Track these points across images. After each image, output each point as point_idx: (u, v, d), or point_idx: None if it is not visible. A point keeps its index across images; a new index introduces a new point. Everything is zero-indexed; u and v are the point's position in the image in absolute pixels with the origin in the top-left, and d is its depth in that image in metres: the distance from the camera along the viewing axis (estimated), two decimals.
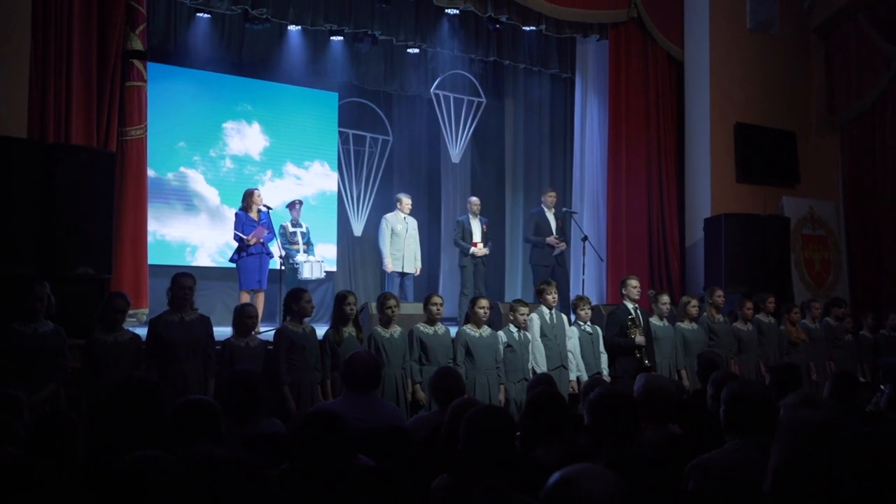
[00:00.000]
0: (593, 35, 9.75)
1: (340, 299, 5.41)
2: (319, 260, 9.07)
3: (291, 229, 9.01)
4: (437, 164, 11.75)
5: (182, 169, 9.72)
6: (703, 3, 9.83)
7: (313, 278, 8.84)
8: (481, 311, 5.80)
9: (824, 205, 10.02)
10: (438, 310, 5.68)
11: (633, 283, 6.56)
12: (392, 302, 5.57)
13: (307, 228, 9.12)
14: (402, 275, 8.61)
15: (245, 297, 7.47)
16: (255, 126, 10.31)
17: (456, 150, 10.82)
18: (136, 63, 6.78)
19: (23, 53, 6.02)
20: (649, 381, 3.17)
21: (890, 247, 9.73)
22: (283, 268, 8.41)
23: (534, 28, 9.43)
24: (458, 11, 9.19)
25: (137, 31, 6.78)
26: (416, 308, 6.42)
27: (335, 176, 10.91)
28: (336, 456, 1.94)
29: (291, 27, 9.53)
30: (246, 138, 10.24)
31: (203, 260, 9.70)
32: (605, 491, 1.45)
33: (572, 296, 7.81)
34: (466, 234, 8.80)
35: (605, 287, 9.50)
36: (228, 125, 10.11)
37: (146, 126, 6.87)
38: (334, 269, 10.67)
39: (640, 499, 1.71)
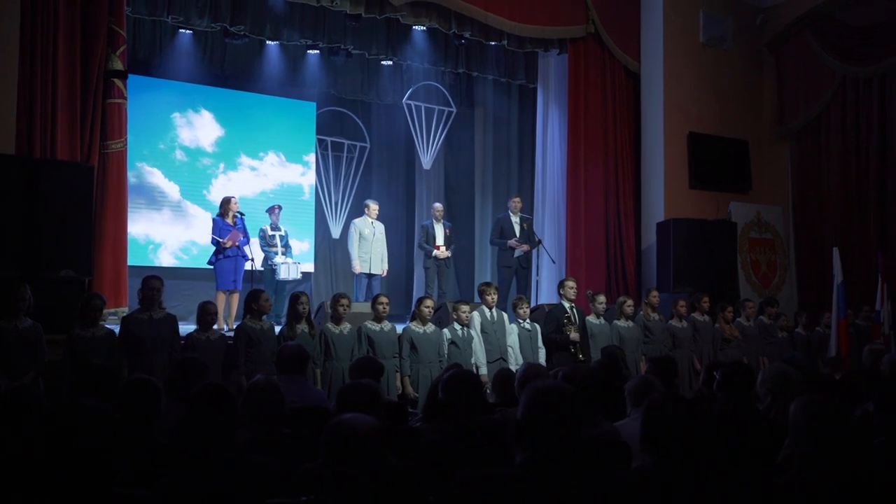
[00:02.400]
0: (554, 49, 10.33)
1: (294, 299, 6.02)
2: (296, 262, 9.66)
3: (271, 233, 9.57)
4: (413, 170, 12.35)
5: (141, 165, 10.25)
6: (658, 20, 10.41)
7: (290, 279, 9.42)
8: (426, 309, 6.40)
9: (771, 210, 10.61)
10: (384, 308, 6.28)
11: (570, 284, 7.16)
12: (344, 301, 6.18)
13: (286, 232, 9.70)
14: (370, 276, 9.21)
15: (221, 297, 8.08)
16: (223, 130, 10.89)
17: (427, 157, 11.41)
18: (117, 82, 7.36)
19: (11, 75, 6.61)
20: (529, 367, 3.76)
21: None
22: (262, 268, 9.08)
23: (496, 43, 10.01)
24: (425, 28, 9.78)
25: (118, 52, 7.36)
26: (367, 307, 6.99)
27: (312, 175, 11.46)
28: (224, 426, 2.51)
29: (269, 42, 10.11)
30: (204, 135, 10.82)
31: (167, 259, 10.26)
32: (365, 428, 2.04)
33: (534, 295, 8.42)
34: (430, 237, 9.39)
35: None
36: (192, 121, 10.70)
37: (126, 140, 7.47)
38: (312, 269, 11.27)
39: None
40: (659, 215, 10.16)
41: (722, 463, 2.58)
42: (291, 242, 9.74)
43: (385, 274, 9.45)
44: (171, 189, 10.39)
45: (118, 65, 7.36)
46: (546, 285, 9.83)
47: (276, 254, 9.44)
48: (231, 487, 2.45)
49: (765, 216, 10.49)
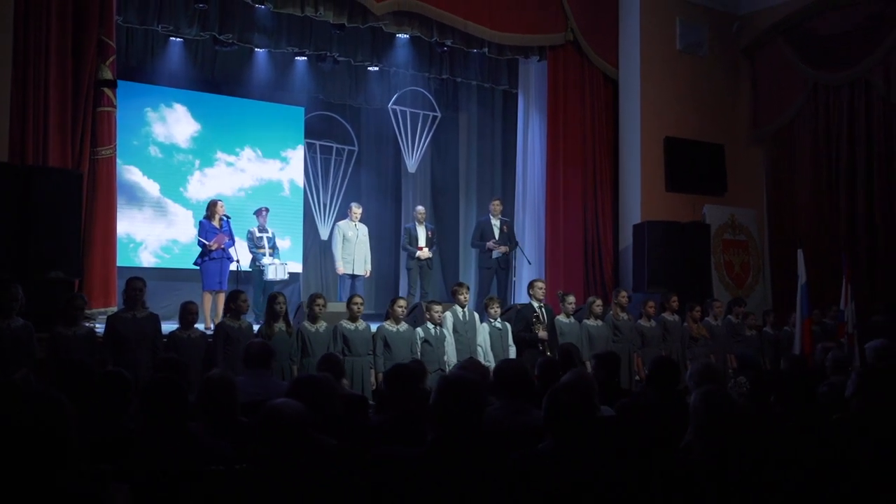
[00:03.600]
0: (534, 56, 10.64)
1: (271, 299, 6.35)
2: (283, 263, 9.97)
3: (258, 234, 9.88)
4: (400, 173, 12.67)
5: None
6: (635, 28, 10.72)
7: (277, 279, 9.72)
8: (399, 309, 6.73)
9: (745, 212, 10.92)
10: (359, 308, 6.60)
11: (539, 284, 7.48)
12: (320, 301, 6.50)
13: (273, 234, 10.01)
14: (353, 276, 9.53)
15: (208, 297, 8.42)
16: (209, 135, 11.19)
17: (412, 160, 11.73)
18: (107, 91, 7.68)
19: (4, 85, 6.94)
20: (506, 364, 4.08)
21: (806, 250, 10.58)
22: (250, 269, 9.41)
23: (477, 51, 10.32)
24: (408, 36, 10.09)
25: (108, 62, 7.68)
26: (343, 307, 7.30)
27: (290, 171, 11.72)
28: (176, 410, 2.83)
29: (258, 49, 10.42)
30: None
31: (148, 258, 10.50)
32: (289, 410, 2.35)
33: (512, 296, 8.73)
34: (413, 239, 9.71)
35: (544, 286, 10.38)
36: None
37: (115, 146, 7.79)
38: (300, 270, 11.59)
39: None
40: (636, 217, 10.46)
41: (627, 446, 2.90)
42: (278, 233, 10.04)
43: (368, 274, 9.76)
44: (151, 187, 10.58)
45: (108, 74, 7.68)
46: (524, 286, 10.12)
47: (264, 255, 9.73)
48: (183, 466, 2.76)
49: (739, 218, 10.80)
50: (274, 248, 9.94)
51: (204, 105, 11.04)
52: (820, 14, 10.54)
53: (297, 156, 11.85)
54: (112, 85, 7.69)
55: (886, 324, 9.47)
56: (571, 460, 2.60)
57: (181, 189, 10.84)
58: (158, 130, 10.75)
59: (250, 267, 9.68)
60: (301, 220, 11.82)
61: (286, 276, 10.02)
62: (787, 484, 2.90)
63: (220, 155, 11.20)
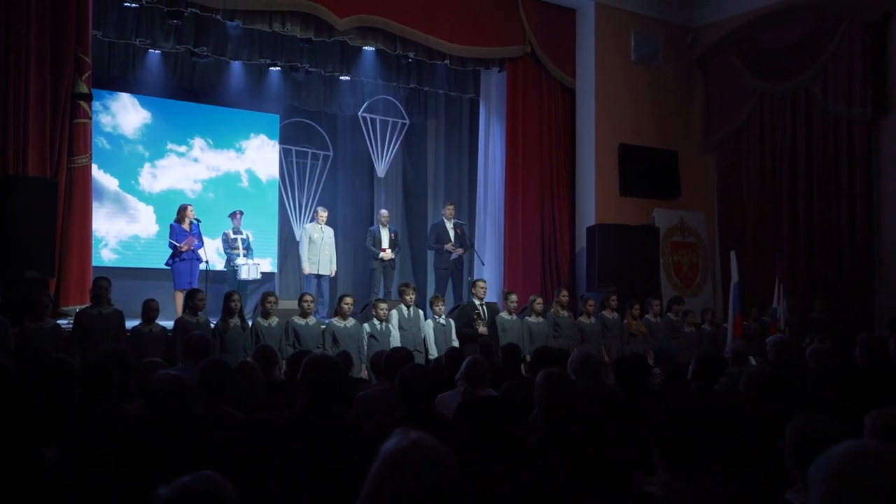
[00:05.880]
0: (494, 67, 11.22)
1: (227, 297, 6.95)
2: (256, 263, 10.55)
3: (233, 236, 10.46)
4: (373, 178, 13.24)
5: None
6: (591, 40, 11.30)
7: (250, 279, 10.31)
8: (346, 306, 7.32)
9: (694, 215, 11.50)
10: (309, 305, 7.20)
11: (481, 284, 8.09)
12: (272, 298, 7.10)
13: (247, 235, 10.58)
14: (319, 276, 10.12)
15: (179, 296, 9.00)
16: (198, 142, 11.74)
17: (381, 165, 12.31)
18: (83, 103, 8.28)
19: None
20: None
21: (752, 253, 11.18)
22: (225, 269, 10.02)
23: (439, 62, 10.89)
24: (373, 49, 10.66)
25: (84, 77, 8.27)
26: (294, 303, 7.90)
27: (247, 162, 12.14)
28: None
29: (233, 61, 10.99)
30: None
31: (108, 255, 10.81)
32: (166, 378, 2.95)
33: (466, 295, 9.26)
34: (377, 241, 10.29)
35: (502, 285, 10.97)
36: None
37: (91, 155, 8.39)
38: (275, 270, 12.17)
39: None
40: (591, 220, 11.04)
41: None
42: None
43: (333, 274, 10.35)
44: (109, 182, 10.84)
45: (84, 89, 8.27)
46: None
47: (238, 255, 10.31)
48: (109, 434, 3.36)
49: (688, 221, 11.38)
50: (248, 248, 10.51)
51: (183, 112, 11.61)
52: (765, 28, 11.12)
53: (251, 146, 12.19)
54: (88, 98, 8.29)
55: (823, 320, 10.11)
56: (418, 424, 3.19)
57: (132, 182, 11.11)
58: (105, 121, 10.89)
59: (225, 267, 10.28)
60: (276, 216, 12.32)
61: (259, 276, 10.59)
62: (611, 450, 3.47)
63: (171, 146, 11.50)
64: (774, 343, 6.45)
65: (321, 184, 12.85)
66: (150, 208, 11.20)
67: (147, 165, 11.30)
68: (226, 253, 10.31)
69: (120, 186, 11.03)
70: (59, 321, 6.94)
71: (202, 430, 3.01)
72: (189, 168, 11.64)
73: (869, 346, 5.75)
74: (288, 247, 12.58)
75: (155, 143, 11.38)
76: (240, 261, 10.24)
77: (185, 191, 11.46)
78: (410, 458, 1.59)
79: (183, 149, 11.61)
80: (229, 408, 3.50)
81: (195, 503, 1.51)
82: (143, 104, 11.24)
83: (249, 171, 12.21)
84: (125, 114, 11.17)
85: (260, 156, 12.29)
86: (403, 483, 1.56)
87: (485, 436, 3.34)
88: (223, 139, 11.94)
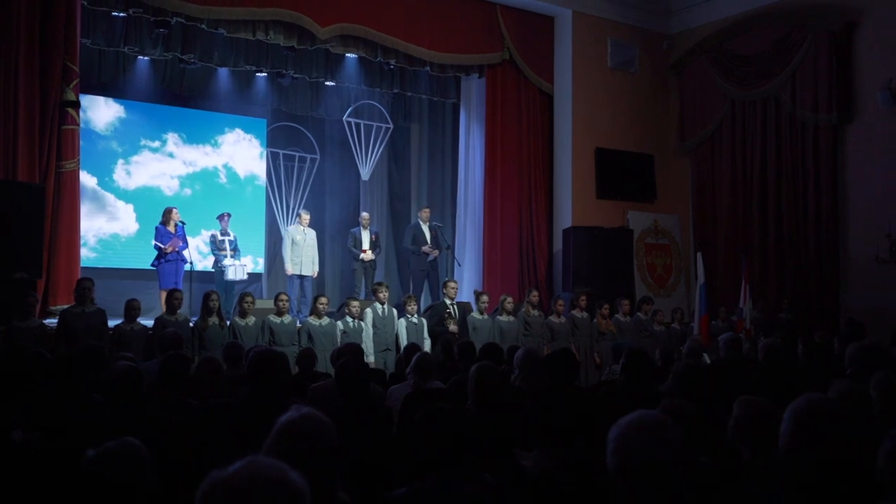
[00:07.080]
0: (474, 73, 11.55)
1: (206, 296, 7.28)
2: (243, 264, 10.87)
3: (220, 238, 10.79)
4: (359, 180, 13.56)
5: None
6: (568, 47, 11.63)
7: (237, 279, 10.63)
8: (321, 306, 7.65)
9: (668, 218, 11.83)
10: (284, 304, 7.53)
11: (452, 284, 8.41)
12: (249, 299, 7.43)
13: (235, 237, 10.89)
14: (301, 277, 10.44)
15: (164, 296, 9.32)
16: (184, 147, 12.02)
17: (365, 169, 12.64)
18: (71, 111, 8.61)
19: None
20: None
21: (724, 254, 11.50)
22: (213, 270, 10.34)
23: (420, 69, 11.22)
24: (356, 56, 10.99)
25: (71, 85, 8.61)
26: (270, 303, 8.23)
27: (224, 157, 12.36)
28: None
29: (220, 67, 11.31)
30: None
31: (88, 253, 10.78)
32: (122, 368, 3.29)
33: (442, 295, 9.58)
34: (357, 242, 10.62)
35: (481, 286, 11.29)
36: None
37: (78, 160, 8.73)
38: (262, 270, 12.50)
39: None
40: (567, 223, 11.36)
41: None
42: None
43: (315, 275, 10.66)
44: (87, 180, 10.77)
45: (72, 96, 8.61)
46: (468, 285, 11.03)
47: (225, 256, 10.62)
48: (79, 421, 3.69)
49: (662, 223, 11.71)
50: (236, 250, 10.84)
51: (172, 117, 11.94)
52: (737, 36, 11.44)
53: (227, 140, 12.40)
54: (76, 105, 8.62)
55: (790, 320, 10.43)
56: (358, 414, 3.52)
57: (107, 179, 11.27)
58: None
59: (213, 268, 10.61)
60: (262, 214, 12.62)
61: (245, 277, 10.92)
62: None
63: (145, 142, 11.68)
64: (726, 341, 6.75)
65: (308, 186, 13.18)
66: (130, 206, 11.37)
67: (121, 162, 11.46)
68: (214, 254, 10.63)
69: (98, 185, 11.19)
70: (45, 320, 7.25)
71: (158, 415, 3.34)
72: (164, 164, 11.76)
73: (809, 345, 6.07)
74: (276, 248, 12.90)
75: (129, 139, 11.52)
76: (227, 262, 10.56)
77: (161, 188, 11.64)
78: (299, 425, 1.92)
79: (157, 144, 11.77)
80: (188, 397, 3.82)
81: (115, 463, 1.83)
82: (119, 102, 11.43)
83: (227, 167, 12.42)
84: (97, 109, 11.30)
85: (237, 151, 12.46)
86: (295, 444, 1.89)
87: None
88: (199, 135, 12.12)
